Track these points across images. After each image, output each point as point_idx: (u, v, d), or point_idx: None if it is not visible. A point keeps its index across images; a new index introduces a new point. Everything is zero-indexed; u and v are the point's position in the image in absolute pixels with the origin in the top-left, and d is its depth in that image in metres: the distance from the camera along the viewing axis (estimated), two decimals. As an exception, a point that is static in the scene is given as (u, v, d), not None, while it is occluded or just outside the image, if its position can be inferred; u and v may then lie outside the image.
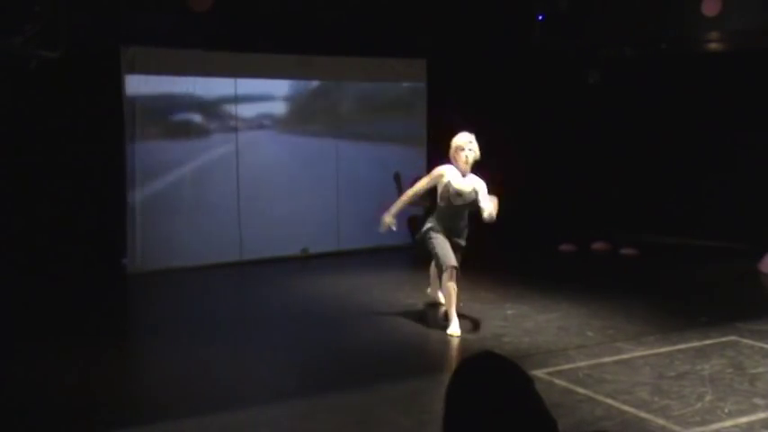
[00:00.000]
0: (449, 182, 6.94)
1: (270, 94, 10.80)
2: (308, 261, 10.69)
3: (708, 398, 5.29)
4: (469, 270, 9.14)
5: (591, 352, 6.38)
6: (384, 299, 8.56)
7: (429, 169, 11.58)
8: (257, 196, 10.55)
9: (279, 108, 10.98)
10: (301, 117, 11.11)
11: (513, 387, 1.86)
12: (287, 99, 11.03)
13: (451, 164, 7.04)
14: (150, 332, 7.74)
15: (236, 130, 10.43)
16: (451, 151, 7.05)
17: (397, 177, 8.35)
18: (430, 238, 7.03)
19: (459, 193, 6.94)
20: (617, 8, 10.47)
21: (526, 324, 7.32)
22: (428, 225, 7.12)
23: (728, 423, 4.86)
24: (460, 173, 6.97)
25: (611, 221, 12.15)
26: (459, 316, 7.08)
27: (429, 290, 8.06)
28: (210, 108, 10.33)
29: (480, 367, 1.93)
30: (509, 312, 7.73)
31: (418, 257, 11.01)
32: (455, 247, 7.06)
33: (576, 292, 8.43)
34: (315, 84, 11.20)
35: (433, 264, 7.39)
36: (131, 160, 9.71)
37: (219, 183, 10.34)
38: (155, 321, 8.13)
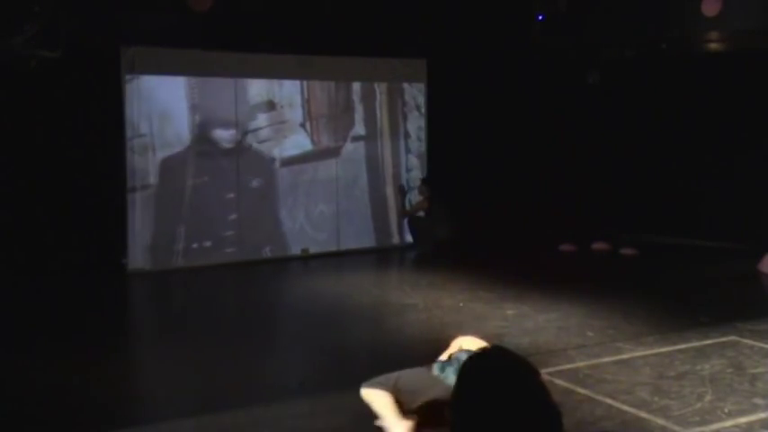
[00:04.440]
0: None
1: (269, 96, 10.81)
2: (308, 261, 10.69)
3: (708, 398, 5.29)
4: (470, 270, 9.17)
5: (591, 352, 6.37)
6: (384, 299, 8.56)
7: (429, 169, 11.72)
8: (257, 197, 10.56)
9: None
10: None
11: (520, 379, 1.90)
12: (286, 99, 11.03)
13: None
14: (150, 332, 7.75)
15: (236, 128, 10.44)
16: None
17: (401, 190, 8.32)
18: None
19: None
20: (617, 8, 10.47)
21: (526, 324, 7.32)
22: None
23: (728, 423, 4.86)
24: None
25: (611, 221, 12.14)
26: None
27: None
28: (211, 109, 10.32)
29: (489, 361, 1.97)
30: (509, 312, 7.72)
31: (418, 257, 11.06)
32: None
33: (576, 292, 8.42)
34: (316, 84, 11.18)
35: None
36: (131, 160, 9.72)
37: (220, 183, 10.34)
38: (155, 321, 8.13)
